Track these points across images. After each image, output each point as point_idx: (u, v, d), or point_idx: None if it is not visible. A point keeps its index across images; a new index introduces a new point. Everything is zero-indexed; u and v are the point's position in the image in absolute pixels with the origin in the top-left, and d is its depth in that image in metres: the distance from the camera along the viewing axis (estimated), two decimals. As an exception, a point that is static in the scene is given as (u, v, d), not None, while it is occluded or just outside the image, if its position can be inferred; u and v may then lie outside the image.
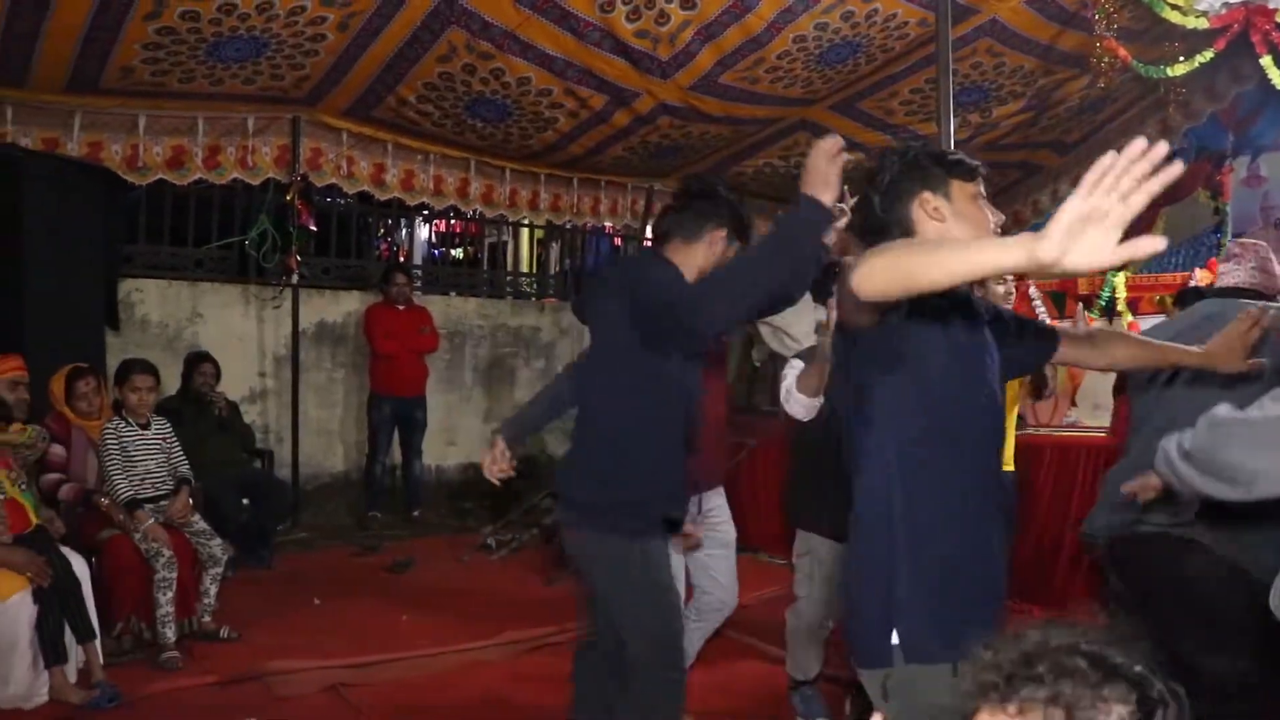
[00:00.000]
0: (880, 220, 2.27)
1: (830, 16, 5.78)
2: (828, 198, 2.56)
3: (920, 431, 2.10)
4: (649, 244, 3.17)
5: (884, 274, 1.79)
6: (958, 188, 2.25)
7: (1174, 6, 5.89)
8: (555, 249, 11.18)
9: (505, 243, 11.47)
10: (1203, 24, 5.97)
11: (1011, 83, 7.00)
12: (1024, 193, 9.42)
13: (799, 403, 3.66)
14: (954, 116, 4.32)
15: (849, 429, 2.22)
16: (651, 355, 2.87)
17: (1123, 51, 5.88)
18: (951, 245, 1.76)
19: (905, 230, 2.24)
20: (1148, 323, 5.66)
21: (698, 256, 3.01)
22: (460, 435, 8.80)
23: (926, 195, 2.24)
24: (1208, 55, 6.19)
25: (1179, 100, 7.19)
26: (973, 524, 2.14)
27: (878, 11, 5.79)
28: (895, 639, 2.05)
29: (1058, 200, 9.10)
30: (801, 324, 4.64)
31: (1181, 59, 6.19)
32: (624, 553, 2.91)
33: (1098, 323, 6.53)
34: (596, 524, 2.94)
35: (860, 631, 2.17)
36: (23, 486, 4.47)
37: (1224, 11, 6.08)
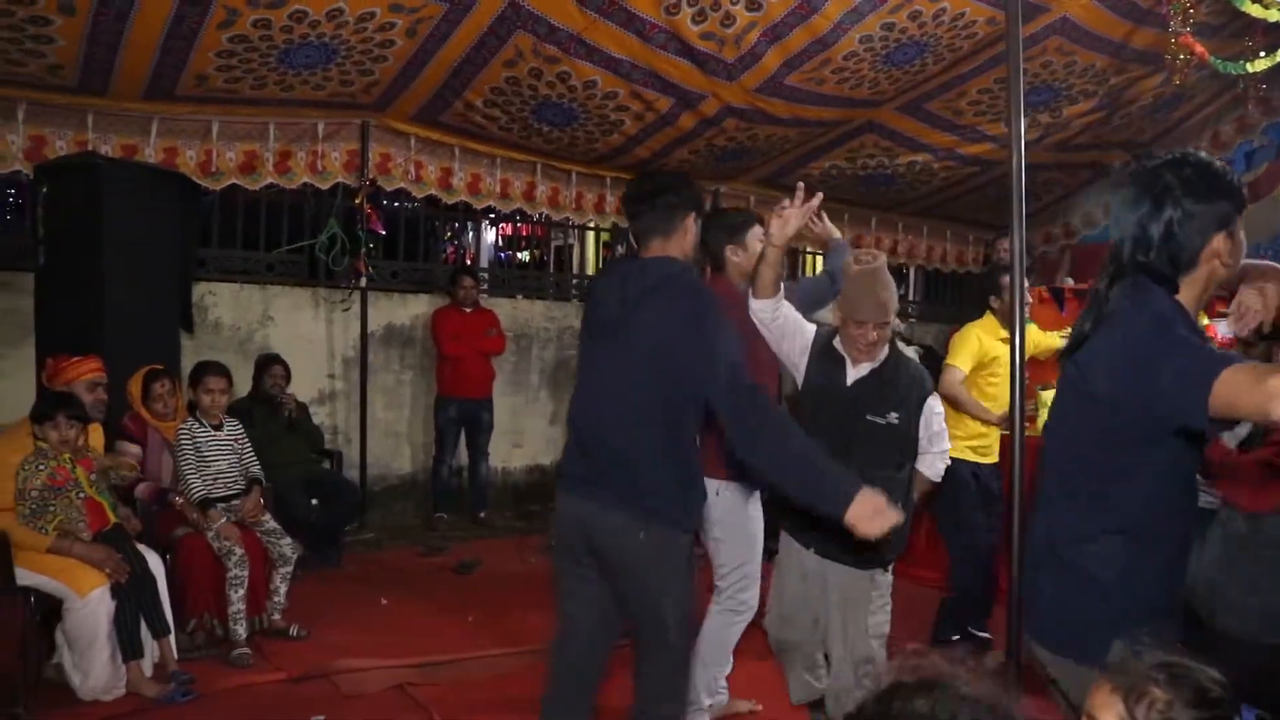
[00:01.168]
0: (1167, 257, 2.13)
1: (897, 16, 5.72)
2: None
3: (1191, 470, 2.17)
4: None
5: None
6: (1238, 221, 2.15)
7: (1254, -1, 5.75)
8: (621, 251, 11.19)
9: (571, 245, 11.51)
10: (1285, 17, 5.82)
11: (1082, 82, 6.89)
12: (1095, 194, 9.27)
13: (760, 308, 3.55)
14: (1024, 117, 4.26)
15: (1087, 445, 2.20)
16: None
17: (1199, 48, 5.74)
18: None
19: (1182, 267, 2.13)
20: (1222, 325, 5.55)
21: (676, 249, 3.19)
22: (526, 437, 8.84)
23: (1220, 239, 2.11)
24: (1290, 49, 6.04)
25: (1258, 96, 7.03)
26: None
27: (945, 11, 5.72)
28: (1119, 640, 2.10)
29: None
30: None
31: (1262, 54, 6.03)
32: (684, 548, 3.15)
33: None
34: (667, 520, 3.07)
35: (1080, 627, 2.20)
36: (101, 487, 4.57)
37: (1308, 3, 5.91)
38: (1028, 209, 4.01)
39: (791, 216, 3.34)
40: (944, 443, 3.73)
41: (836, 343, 3.59)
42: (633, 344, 3.05)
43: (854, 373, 3.55)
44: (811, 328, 3.66)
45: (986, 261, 8.25)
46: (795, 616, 3.69)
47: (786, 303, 3.57)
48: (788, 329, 3.59)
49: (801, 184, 3.36)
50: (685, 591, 3.17)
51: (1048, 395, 6.45)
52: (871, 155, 8.09)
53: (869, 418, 3.48)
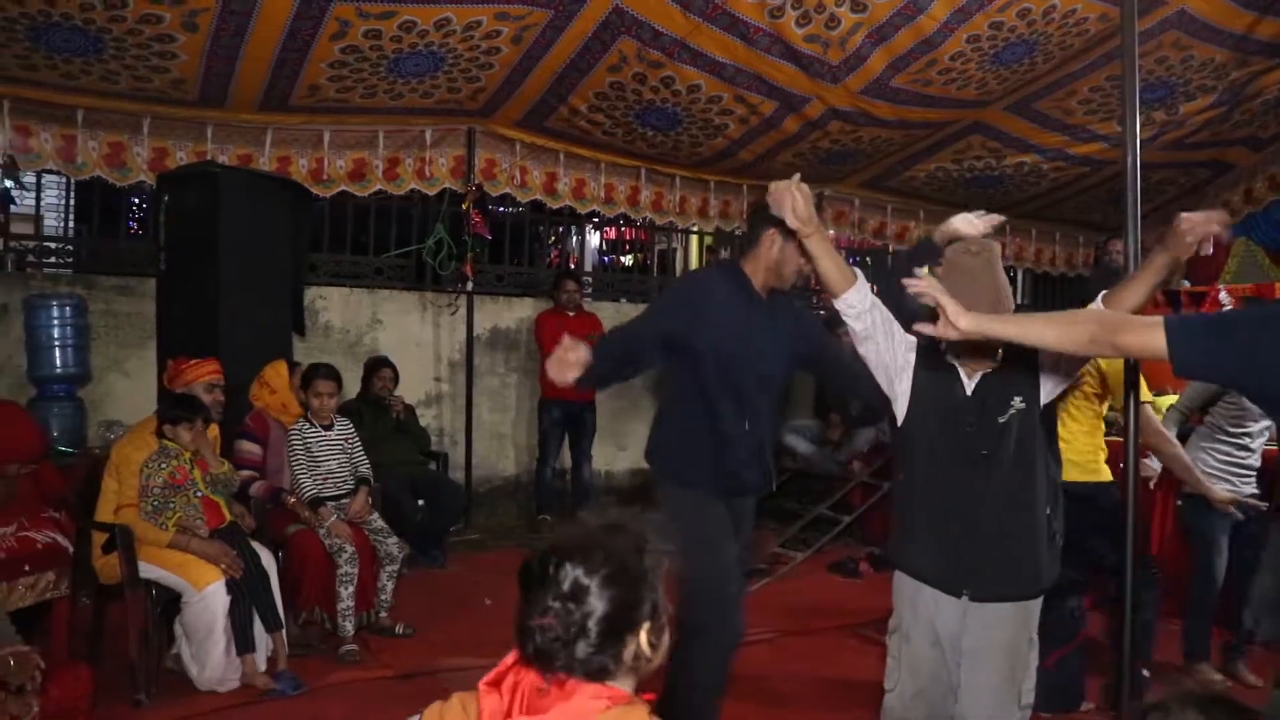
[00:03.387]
0: None
1: (1006, 15, 5.61)
2: None
3: None
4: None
5: None
6: None
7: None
8: (724, 255, 11.18)
9: (675, 249, 11.53)
10: None
11: (1200, 77, 6.67)
12: (1214, 193, 8.97)
13: (844, 305, 2.93)
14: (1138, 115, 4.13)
15: None
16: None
17: (1332, 37, 5.50)
18: None
19: None
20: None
21: (761, 258, 3.55)
22: (630, 440, 8.86)
23: None
24: None
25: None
26: None
27: (1056, 8, 5.60)
28: None
29: (1252, 200, 8.64)
30: None
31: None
32: (682, 500, 3.58)
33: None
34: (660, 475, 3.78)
35: None
36: (217, 487, 4.71)
37: None
38: (1141, 209, 3.90)
39: (784, 196, 2.90)
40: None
41: (944, 349, 2.95)
42: None
43: (970, 381, 2.94)
44: (910, 338, 3.02)
45: (1097, 264, 8.02)
46: (929, 690, 2.98)
47: (876, 300, 2.98)
48: (879, 328, 2.97)
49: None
50: (689, 550, 3.16)
51: (1164, 401, 6.26)
52: (979, 156, 7.95)
53: (1000, 420, 2.89)
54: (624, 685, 1.57)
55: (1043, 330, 2.42)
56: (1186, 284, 7.84)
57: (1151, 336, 2.23)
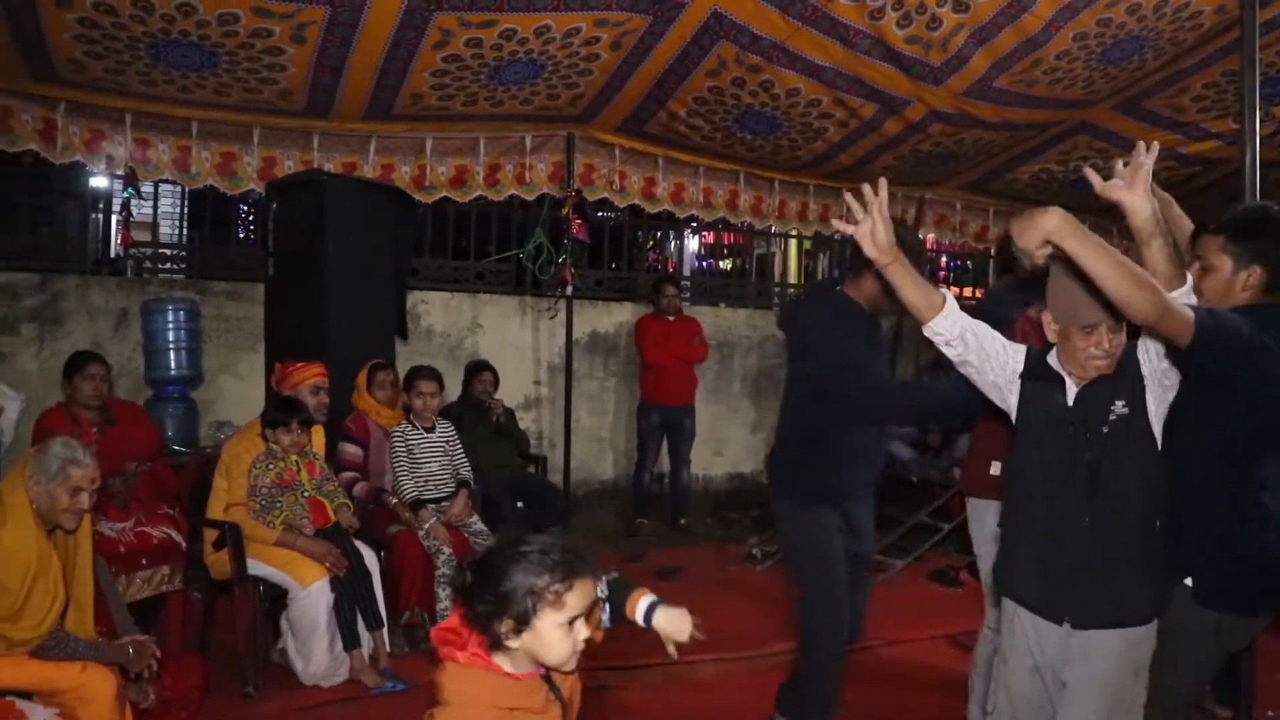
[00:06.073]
0: None
1: (1114, 11, 5.45)
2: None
3: None
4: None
5: None
6: None
7: None
8: (824, 260, 11.11)
9: (773, 254, 11.48)
10: None
11: (1326, 70, 6.41)
12: (1336, 192, 8.62)
13: (933, 331, 2.81)
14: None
15: None
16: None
17: None
18: None
19: None
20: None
21: (863, 290, 3.84)
22: (728, 445, 8.86)
23: None
24: None
25: None
26: None
27: (1168, 2, 5.43)
28: None
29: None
30: None
31: None
32: (802, 516, 3.79)
33: None
34: (784, 493, 3.91)
35: None
36: (325, 488, 4.83)
37: None
38: (1259, 209, 3.76)
39: (866, 230, 2.73)
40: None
41: (1051, 359, 2.83)
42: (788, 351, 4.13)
43: (1073, 390, 2.78)
44: (1020, 346, 2.90)
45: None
46: (1024, 717, 2.89)
47: (964, 314, 2.84)
48: (971, 350, 2.85)
49: (865, 185, 2.74)
50: (809, 566, 3.77)
51: None
52: (1085, 157, 7.74)
53: (1103, 430, 2.73)
54: (510, 659, 2.03)
55: (1108, 268, 2.46)
56: None
57: (1185, 325, 2.43)
